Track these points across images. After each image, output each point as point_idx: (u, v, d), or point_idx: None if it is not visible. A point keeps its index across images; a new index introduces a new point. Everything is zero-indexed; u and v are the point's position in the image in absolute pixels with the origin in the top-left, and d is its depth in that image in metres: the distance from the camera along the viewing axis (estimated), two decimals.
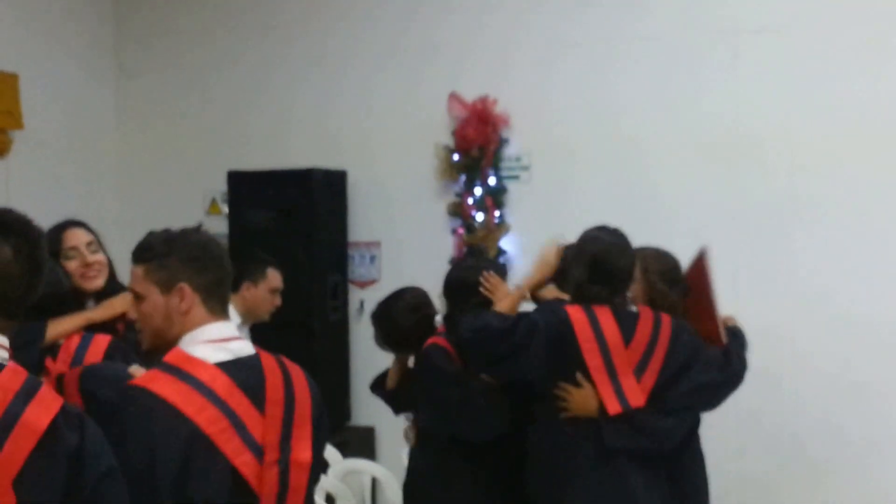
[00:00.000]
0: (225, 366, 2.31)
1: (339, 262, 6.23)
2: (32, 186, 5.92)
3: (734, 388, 3.74)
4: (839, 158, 5.26)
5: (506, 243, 5.93)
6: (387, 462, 5.46)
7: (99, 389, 2.60)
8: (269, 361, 2.40)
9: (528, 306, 3.68)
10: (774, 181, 5.39)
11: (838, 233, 5.29)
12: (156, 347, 2.42)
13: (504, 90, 5.91)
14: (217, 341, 2.36)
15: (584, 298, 3.52)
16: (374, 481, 5.04)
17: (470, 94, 5.95)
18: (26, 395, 1.83)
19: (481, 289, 3.62)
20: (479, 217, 5.93)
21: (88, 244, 3.39)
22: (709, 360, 3.62)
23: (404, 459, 4.20)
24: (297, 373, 2.45)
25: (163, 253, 2.39)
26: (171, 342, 2.36)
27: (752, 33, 5.43)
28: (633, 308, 3.62)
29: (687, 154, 5.55)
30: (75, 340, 3.07)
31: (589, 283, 3.50)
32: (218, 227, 6.09)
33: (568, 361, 3.45)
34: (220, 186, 6.36)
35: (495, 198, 5.93)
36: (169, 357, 2.31)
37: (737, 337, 3.81)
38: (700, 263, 3.81)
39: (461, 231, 5.99)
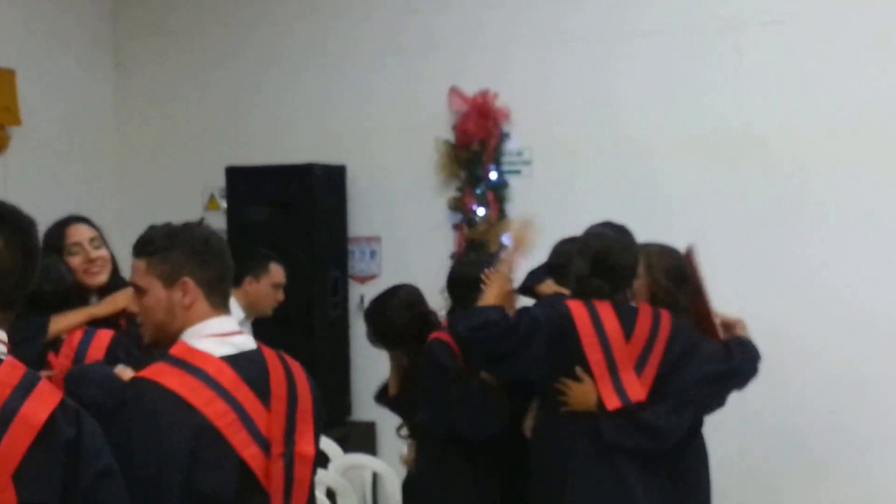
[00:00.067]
0: (230, 360, 2.32)
1: (339, 257, 6.20)
2: (30, 183, 5.89)
3: (737, 383, 3.71)
4: (845, 155, 5.23)
5: (507, 238, 5.90)
6: (387, 457, 5.44)
7: (84, 391, 2.61)
8: (270, 356, 2.41)
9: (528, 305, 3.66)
10: (778, 176, 5.36)
11: (843, 230, 5.25)
12: (157, 342, 2.42)
13: (505, 84, 5.87)
14: (220, 335, 2.36)
15: (585, 293, 3.51)
16: (374, 476, 5.03)
17: (470, 89, 5.92)
18: (24, 389, 1.82)
19: (483, 285, 3.60)
20: (481, 212, 5.90)
21: (92, 240, 3.39)
22: (709, 353, 3.61)
23: None
24: (297, 368, 2.46)
25: (165, 247, 2.38)
26: (173, 336, 2.36)
27: (755, 27, 5.39)
28: (632, 303, 3.60)
29: (689, 148, 5.52)
30: (78, 336, 3.09)
31: (590, 277, 3.49)
32: (216, 222, 6.00)
33: (569, 356, 3.44)
34: (219, 182, 6.32)
35: (496, 192, 5.90)
36: (175, 350, 2.31)
37: (744, 345, 3.75)
38: (688, 261, 3.79)
39: (462, 226, 5.97)
